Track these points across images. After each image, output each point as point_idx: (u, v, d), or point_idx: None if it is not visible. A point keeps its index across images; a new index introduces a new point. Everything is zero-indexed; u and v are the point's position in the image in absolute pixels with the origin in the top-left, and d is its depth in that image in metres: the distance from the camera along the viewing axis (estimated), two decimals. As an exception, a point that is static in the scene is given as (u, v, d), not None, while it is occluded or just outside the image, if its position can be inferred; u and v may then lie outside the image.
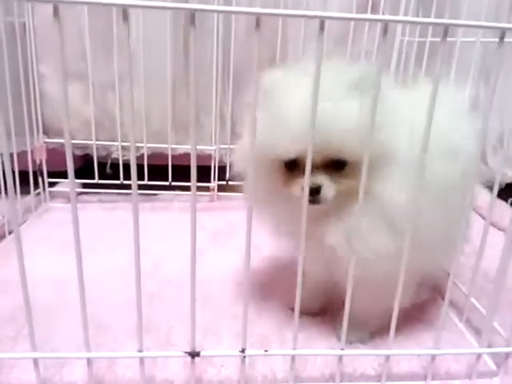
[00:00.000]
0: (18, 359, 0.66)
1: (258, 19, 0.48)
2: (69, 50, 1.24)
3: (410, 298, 0.71)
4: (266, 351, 0.61)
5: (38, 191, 1.28)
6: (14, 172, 1.12)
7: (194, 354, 0.59)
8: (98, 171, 1.31)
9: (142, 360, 0.59)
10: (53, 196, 1.33)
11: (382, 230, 0.61)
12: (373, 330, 0.74)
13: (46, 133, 1.28)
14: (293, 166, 0.62)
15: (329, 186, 0.60)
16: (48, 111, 1.26)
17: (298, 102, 0.57)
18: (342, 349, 0.60)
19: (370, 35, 1.23)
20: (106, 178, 1.35)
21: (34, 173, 1.24)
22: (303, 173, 0.54)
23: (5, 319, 0.78)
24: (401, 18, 0.54)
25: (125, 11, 0.49)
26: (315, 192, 0.60)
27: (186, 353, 0.59)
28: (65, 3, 0.50)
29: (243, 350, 0.59)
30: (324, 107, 0.53)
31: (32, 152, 1.22)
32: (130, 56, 0.51)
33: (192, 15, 0.48)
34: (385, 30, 0.49)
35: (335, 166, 0.61)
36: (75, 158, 1.37)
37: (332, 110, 0.56)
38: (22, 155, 1.18)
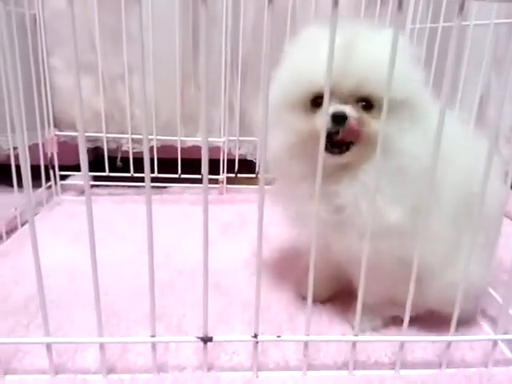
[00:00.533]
0: (32, 344, 0.66)
1: None
2: (78, 42, 1.24)
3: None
4: (278, 337, 0.60)
5: (49, 184, 1.29)
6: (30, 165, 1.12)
7: (206, 340, 0.58)
8: (108, 164, 1.32)
9: (153, 345, 0.59)
10: (64, 189, 1.34)
11: (396, 197, 0.59)
12: (386, 317, 0.73)
13: (56, 126, 1.29)
14: (320, 103, 0.56)
15: (354, 118, 0.58)
16: (59, 104, 1.27)
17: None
18: (356, 335, 0.60)
19: (381, 12, 1.22)
20: (116, 170, 1.35)
21: (46, 166, 1.24)
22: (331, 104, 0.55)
23: (18, 307, 0.78)
24: None
25: None
26: (340, 119, 0.57)
27: (198, 338, 0.58)
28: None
29: (255, 336, 0.58)
30: (360, 43, 0.57)
31: (43, 145, 1.23)
32: (142, 43, 0.51)
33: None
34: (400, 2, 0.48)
35: (363, 106, 0.59)
36: (87, 150, 1.37)
37: (369, 46, 0.58)
38: (34, 148, 1.19)
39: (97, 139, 1.35)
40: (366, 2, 1.23)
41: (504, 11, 0.99)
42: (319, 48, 0.57)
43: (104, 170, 1.32)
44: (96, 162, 1.38)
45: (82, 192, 1.39)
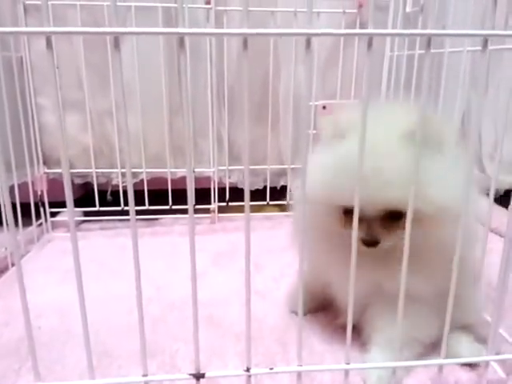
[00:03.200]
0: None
1: (245, 40, 0.50)
2: (66, 80, 1.27)
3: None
4: (271, 369, 0.60)
5: (39, 222, 1.29)
6: (15, 204, 1.12)
7: (198, 376, 0.58)
8: (98, 199, 1.32)
9: (146, 384, 0.58)
10: (55, 226, 1.34)
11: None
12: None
13: (46, 163, 1.29)
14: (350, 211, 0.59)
15: (384, 239, 0.62)
16: (48, 141, 1.28)
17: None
18: (348, 363, 0.60)
19: (360, 51, 1.26)
20: (107, 205, 1.35)
21: (36, 203, 1.25)
22: (361, 223, 0.57)
23: (8, 351, 0.77)
24: (386, 30, 0.55)
25: (116, 39, 0.50)
26: (372, 245, 0.62)
27: (190, 375, 0.58)
28: (58, 33, 0.51)
29: (248, 369, 0.58)
30: (377, 162, 0.57)
31: (33, 183, 1.23)
32: (122, 84, 0.52)
33: (181, 39, 0.49)
34: (369, 44, 0.50)
35: (392, 217, 0.61)
36: (76, 186, 1.38)
37: (386, 164, 0.58)
38: (23, 186, 1.19)
39: (86, 175, 1.36)
40: (344, 42, 1.27)
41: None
42: (349, 165, 0.57)
43: (95, 205, 1.32)
44: (86, 198, 1.39)
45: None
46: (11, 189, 1.14)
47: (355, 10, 1.26)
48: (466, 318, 0.71)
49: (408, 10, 1.08)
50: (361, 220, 0.56)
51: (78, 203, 1.34)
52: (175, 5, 1.22)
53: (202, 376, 0.58)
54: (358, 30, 0.53)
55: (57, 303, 0.92)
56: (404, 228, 0.54)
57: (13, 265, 1.11)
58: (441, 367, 0.61)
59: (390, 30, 0.52)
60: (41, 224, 1.29)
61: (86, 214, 1.36)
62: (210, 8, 1.21)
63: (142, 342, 0.56)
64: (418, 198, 0.53)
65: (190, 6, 1.20)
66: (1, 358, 0.76)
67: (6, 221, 1.00)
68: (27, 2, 1.17)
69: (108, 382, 0.61)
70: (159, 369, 0.71)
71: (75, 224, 1.37)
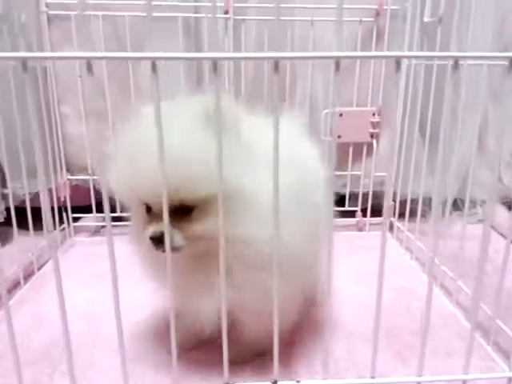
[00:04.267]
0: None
1: (276, 63, 0.51)
2: (87, 91, 1.29)
3: (294, 317, 0.73)
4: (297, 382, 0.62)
5: (62, 227, 1.32)
6: (40, 209, 1.16)
7: (227, 385, 0.60)
8: (119, 204, 1.34)
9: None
10: (77, 230, 1.37)
11: (258, 277, 0.60)
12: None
13: (68, 170, 1.33)
14: (150, 209, 0.60)
15: (173, 235, 0.56)
16: (70, 149, 1.31)
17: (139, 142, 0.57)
18: (373, 377, 0.61)
19: (376, 65, 1.28)
20: (127, 210, 1.38)
21: (59, 208, 1.28)
22: (155, 217, 0.56)
23: (40, 356, 0.80)
24: (414, 53, 0.56)
25: (153, 63, 0.51)
26: (158, 241, 0.57)
27: (219, 384, 0.60)
28: (96, 59, 0.53)
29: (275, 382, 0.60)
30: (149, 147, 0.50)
31: (56, 189, 1.27)
32: (158, 103, 0.54)
33: (214, 64, 0.51)
34: (398, 66, 0.51)
35: (181, 211, 0.57)
36: (97, 192, 1.41)
37: (171, 147, 0.50)
38: (49, 192, 1.23)
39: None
40: (362, 40, 1.28)
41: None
42: (135, 154, 0.56)
43: (115, 211, 1.35)
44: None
45: (93, 233, 1.42)
46: (36, 195, 1.17)
47: (372, 19, 1.27)
48: None
49: (426, 19, 1.09)
50: (154, 217, 0.57)
51: (98, 208, 1.37)
52: (195, 14, 1.24)
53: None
54: (386, 53, 0.54)
55: (84, 307, 0.95)
56: (196, 222, 0.55)
57: (39, 269, 1.15)
58: (464, 383, 0.62)
59: (418, 53, 0.53)
60: (63, 229, 1.33)
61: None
62: (229, 18, 1.23)
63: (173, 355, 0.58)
64: (196, 185, 0.53)
65: (209, 15, 1.22)
66: (33, 362, 0.78)
67: (33, 226, 1.05)
68: (50, 12, 1.20)
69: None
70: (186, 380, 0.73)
71: (95, 229, 1.39)
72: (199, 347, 0.80)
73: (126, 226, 1.34)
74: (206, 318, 0.65)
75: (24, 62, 0.48)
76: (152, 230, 0.58)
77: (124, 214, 1.34)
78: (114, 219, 1.35)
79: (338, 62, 0.51)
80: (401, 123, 1.25)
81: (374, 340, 0.58)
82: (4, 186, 1.19)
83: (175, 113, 0.56)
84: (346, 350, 0.81)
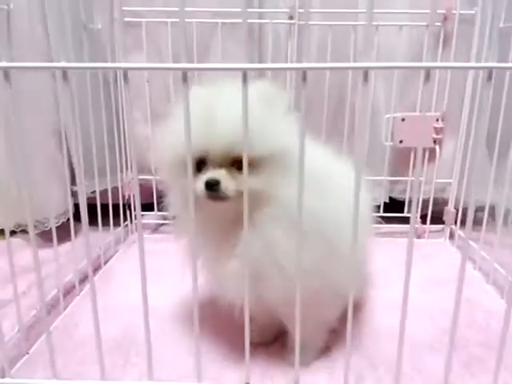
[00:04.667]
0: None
1: (304, 73, 0.51)
2: (155, 94, 1.35)
3: (338, 312, 0.74)
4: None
5: (126, 223, 1.38)
6: (107, 206, 1.22)
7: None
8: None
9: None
10: (139, 228, 1.42)
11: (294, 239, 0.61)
12: (314, 351, 0.79)
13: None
14: (202, 167, 0.65)
15: (227, 181, 0.63)
16: (136, 150, 1.35)
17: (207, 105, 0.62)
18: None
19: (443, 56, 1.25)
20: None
21: (123, 205, 1.35)
22: (210, 170, 0.62)
23: (111, 347, 0.84)
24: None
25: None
26: (213, 185, 0.62)
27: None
28: (193, 70, 0.55)
29: None
30: (226, 109, 0.60)
31: (122, 187, 1.33)
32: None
33: (305, 73, 0.51)
34: (489, 76, 0.50)
35: (238, 165, 0.62)
36: (158, 191, 1.46)
37: (234, 111, 0.58)
38: (114, 191, 1.30)
39: (169, 181, 1.44)
40: (428, 45, 1.25)
41: None
42: (192, 115, 0.59)
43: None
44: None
45: (154, 230, 1.47)
46: (104, 192, 1.24)
47: (439, 24, 1.24)
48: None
49: (501, 25, 1.05)
50: (208, 170, 0.63)
51: (159, 206, 1.42)
52: (260, 20, 1.26)
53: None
54: (481, 64, 0.53)
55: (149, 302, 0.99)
56: (249, 177, 0.57)
57: (105, 263, 1.21)
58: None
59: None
60: (127, 225, 1.39)
61: (166, 217, 1.44)
62: (293, 23, 1.24)
63: (248, 352, 0.60)
64: (254, 143, 0.58)
65: (274, 21, 1.24)
66: (106, 353, 0.82)
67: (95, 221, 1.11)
68: (125, 19, 1.25)
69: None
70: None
71: (155, 226, 1.44)
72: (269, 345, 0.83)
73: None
74: (231, 281, 0.67)
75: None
76: (209, 175, 0.63)
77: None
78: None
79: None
80: (466, 130, 1.22)
81: (448, 352, 0.58)
82: (72, 183, 1.26)
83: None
84: (411, 358, 0.80)
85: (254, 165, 0.62)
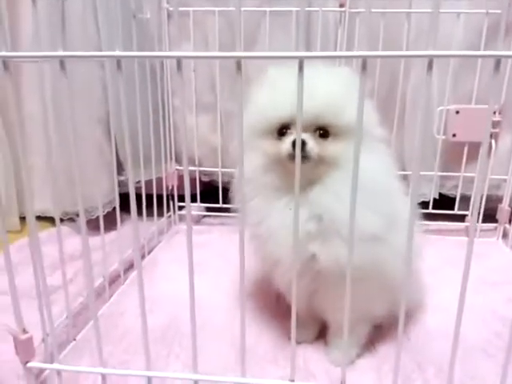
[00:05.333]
0: (176, 379, 0.71)
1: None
2: (200, 84, 1.34)
3: (385, 307, 0.76)
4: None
5: (169, 214, 1.39)
6: (152, 196, 1.23)
7: None
8: (221, 196, 1.38)
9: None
10: (182, 218, 1.43)
11: (368, 206, 0.65)
12: (356, 347, 0.79)
13: (178, 161, 1.38)
14: (284, 132, 0.71)
15: (313, 143, 0.69)
16: (180, 141, 1.36)
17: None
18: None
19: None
20: (229, 202, 1.41)
21: (167, 196, 1.35)
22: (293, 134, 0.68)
23: (156, 338, 0.84)
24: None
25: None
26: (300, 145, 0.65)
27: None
28: (247, 58, 0.53)
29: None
30: (317, 84, 0.67)
31: (166, 178, 1.33)
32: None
33: (365, 62, 0.49)
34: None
35: (321, 134, 0.70)
36: (201, 182, 1.46)
37: (324, 86, 0.69)
38: (158, 181, 1.30)
39: (212, 173, 1.44)
40: (486, 41, 1.18)
41: None
42: (281, 86, 0.70)
43: (218, 202, 1.39)
44: (210, 194, 1.46)
45: (196, 221, 1.48)
46: (149, 183, 1.24)
47: (499, 11, 1.17)
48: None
49: None
50: (291, 133, 0.69)
51: (201, 197, 1.42)
52: (311, 8, 1.23)
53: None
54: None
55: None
56: (329, 144, 0.69)
57: (149, 253, 1.22)
58: None
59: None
60: (169, 216, 1.39)
61: (208, 209, 1.44)
62: (344, 11, 1.20)
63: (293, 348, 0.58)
64: (339, 113, 0.67)
65: (323, 9, 1.20)
66: (150, 343, 0.83)
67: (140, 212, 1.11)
68: (171, 9, 1.25)
69: (257, 382, 0.65)
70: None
71: (198, 218, 1.44)
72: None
73: (226, 216, 1.41)
74: (282, 240, 0.70)
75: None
76: (293, 136, 0.68)
77: (226, 206, 1.39)
78: (215, 210, 1.41)
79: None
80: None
81: (505, 358, 0.54)
82: (119, 173, 1.27)
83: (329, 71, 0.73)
84: (462, 362, 0.77)
85: (335, 134, 0.70)
